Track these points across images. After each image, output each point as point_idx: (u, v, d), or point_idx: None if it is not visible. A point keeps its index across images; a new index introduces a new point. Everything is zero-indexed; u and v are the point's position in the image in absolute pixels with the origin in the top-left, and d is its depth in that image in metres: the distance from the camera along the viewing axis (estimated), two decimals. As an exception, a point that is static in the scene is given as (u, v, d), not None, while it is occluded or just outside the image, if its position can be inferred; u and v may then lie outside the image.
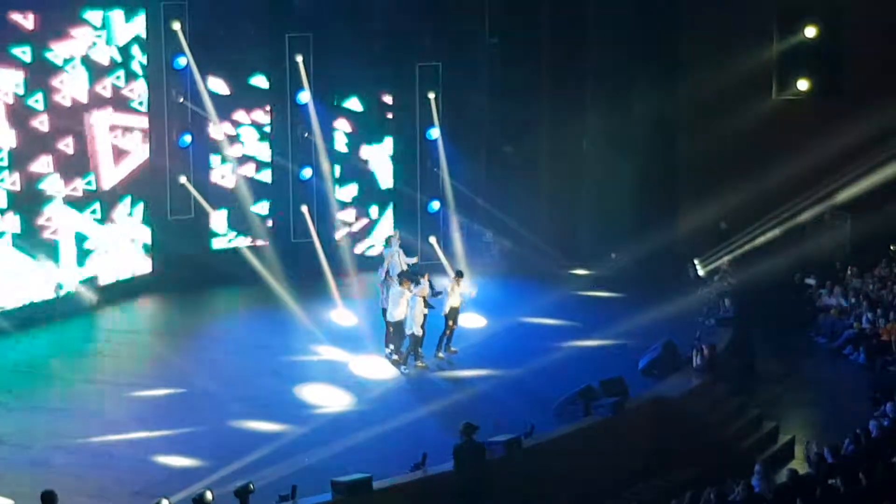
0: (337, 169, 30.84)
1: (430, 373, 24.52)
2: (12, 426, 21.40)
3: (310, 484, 18.30)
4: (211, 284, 29.08)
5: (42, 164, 26.48)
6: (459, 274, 25.23)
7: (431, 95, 30.97)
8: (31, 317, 26.34)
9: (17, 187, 25.97)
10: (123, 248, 28.37)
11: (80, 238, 27.43)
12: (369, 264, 30.19)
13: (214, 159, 29.83)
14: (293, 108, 30.16)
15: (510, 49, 31.92)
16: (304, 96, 30.11)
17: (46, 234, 26.71)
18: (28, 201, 26.28)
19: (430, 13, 30.84)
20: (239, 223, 30.09)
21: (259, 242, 30.10)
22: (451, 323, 24.81)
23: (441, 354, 24.83)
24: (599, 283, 30.69)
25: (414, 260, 26.16)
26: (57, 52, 26.52)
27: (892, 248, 30.52)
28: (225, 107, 29.71)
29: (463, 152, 31.62)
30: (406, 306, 24.05)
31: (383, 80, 31.01)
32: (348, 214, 31.22)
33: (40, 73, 26.27)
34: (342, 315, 26.91)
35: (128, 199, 28.33)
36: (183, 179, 29.26)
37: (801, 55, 31.92)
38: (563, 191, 32.63)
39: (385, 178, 31.44)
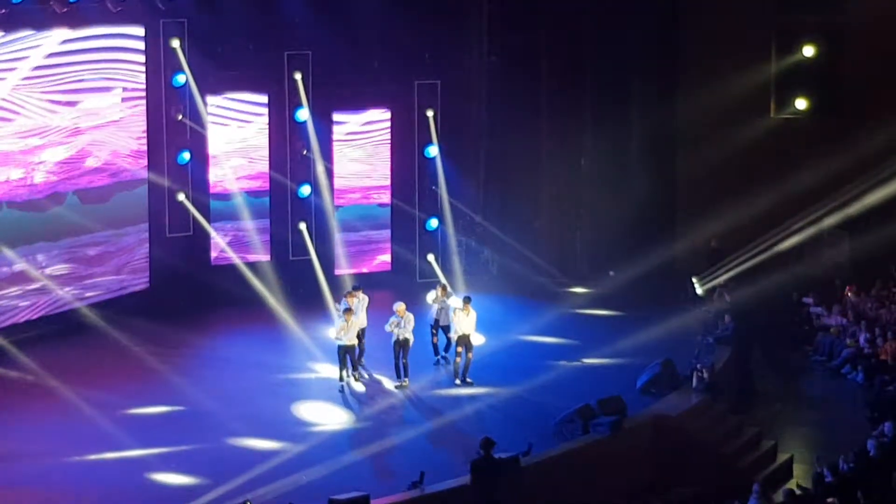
0: (336, 186, 30.81)
1: (428, 391, 24.52)
2: (9, 443, 21.37)
3: (307, 502, 18.30)
4: (209, 302, 29.03)
5: None
6: (467, 299, 25.19)
7: (430, 113, 30.99)
8: (28, 334, 26.36)
9: None
10: None
11: None
12: (366, 282, 30.12)
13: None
14: (292, 126, 30.17)
15: (509, 67, 31.91)
16: (303, 113, 30.12)
17: None
18: None
19: (428, 31, 30.85)
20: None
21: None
22: (459, 349, 24.75)
23: (458, 381, 24.80)
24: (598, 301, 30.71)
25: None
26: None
27: (894, 269, 30.51)
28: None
29: (461, 170, 31.62)
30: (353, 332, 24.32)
31: (382, 97, 30.99)
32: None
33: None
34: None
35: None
36: (181, 196, 29.25)
37: (800, 74, 31.93)
38: (561, 209, 32.61)
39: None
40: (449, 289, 26.52)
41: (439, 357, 25.72)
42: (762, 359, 27.26)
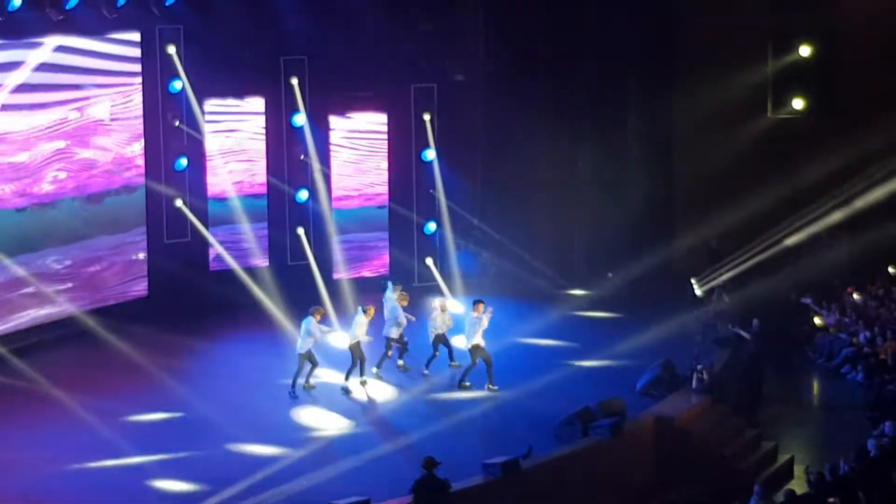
0: (333, 191, 30.82)
1: (429, 394, 24.53)
2: (8, 452, 21.36)
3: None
4: (208, 308, 29.02)
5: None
6: (478, 301, 25.08)
7: (427, 117, 30.98)
8: (27, 341, 26.34)
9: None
10: None
11: None
12: (365, 286, 30.12)
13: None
14: (289, 131, 30.17)
15: (505, 70, 31.92)
16: (300, 118, 30.13)
17: None
18: None
19: (425, 35, 30.85)
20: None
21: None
22: (475, 359, 24.69)
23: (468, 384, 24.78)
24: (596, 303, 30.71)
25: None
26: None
27: (892, 269, 30.51)
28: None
29: (459, 173, 31.62)
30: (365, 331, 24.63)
31: (379, 101, 30.99)
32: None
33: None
34: (339, 337, 26.85)
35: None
36: (179, 202, 29.24)
37: (796, 74, 31.95)
38: (559, 211, 32.59)
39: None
40: (448, 308, 26.36)
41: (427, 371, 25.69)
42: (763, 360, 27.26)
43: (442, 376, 25.29)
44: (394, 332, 25.26)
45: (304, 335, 24.39)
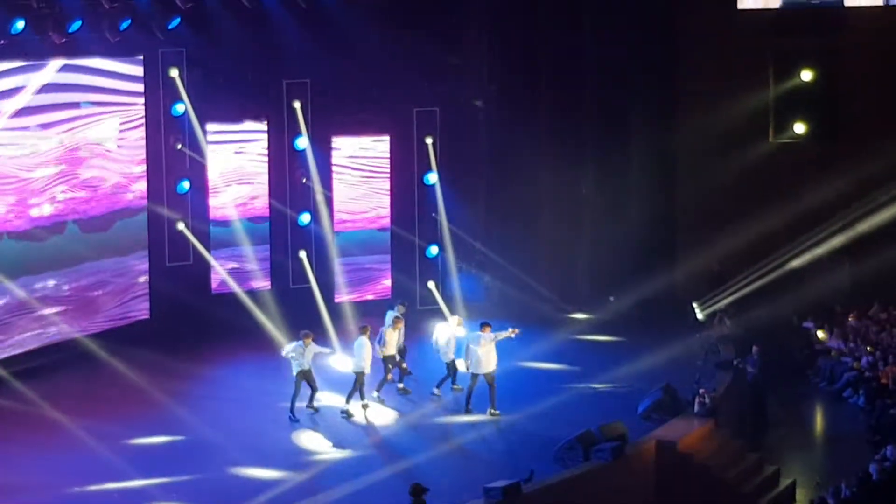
0: (335, 214, 30.86)
1: (430, 418, 24.51)
2: (10, 475, 21.33)
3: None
4: (209, 331, 29.00)
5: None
6: (485, 324, 25.02)
7: (429, 140, 31.03)
8: (28, 364, 26.34)
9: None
10: None
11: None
12: (367, 309, 30.10)
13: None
14: (291, 154, 30.21)
15: (508, 93, 31.96)
16: (302, 142, 30.17)
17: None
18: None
19: (427, 59, 30.90)
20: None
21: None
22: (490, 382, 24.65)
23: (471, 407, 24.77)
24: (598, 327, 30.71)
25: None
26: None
27: None
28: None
29: (461, 197, 31.64)
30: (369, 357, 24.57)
31: (381, 125, 31.03)
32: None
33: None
34: (340, 361, 26.86)
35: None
36: (181, 226, 29.26)
37: (798, 99, 32.00)
38: (561, 235, 32.60)
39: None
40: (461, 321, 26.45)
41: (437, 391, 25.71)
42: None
43: (444, 400, 25.28)
44: (388, 351, 25.25)
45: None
